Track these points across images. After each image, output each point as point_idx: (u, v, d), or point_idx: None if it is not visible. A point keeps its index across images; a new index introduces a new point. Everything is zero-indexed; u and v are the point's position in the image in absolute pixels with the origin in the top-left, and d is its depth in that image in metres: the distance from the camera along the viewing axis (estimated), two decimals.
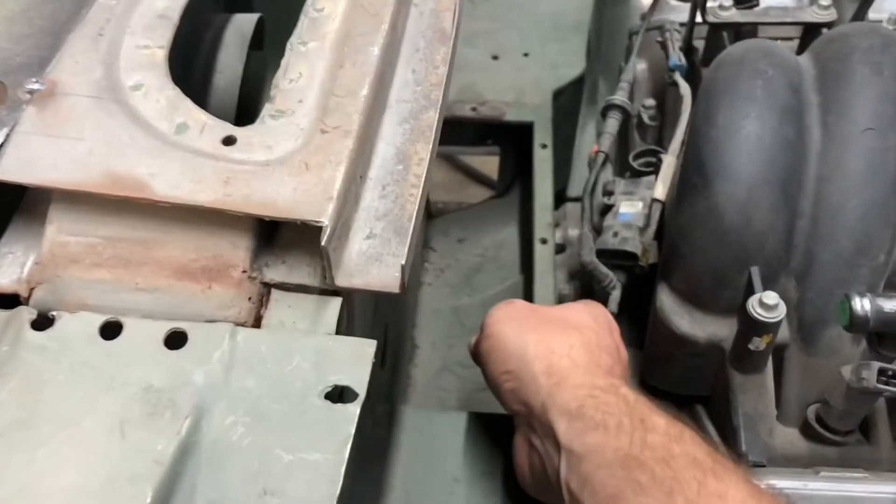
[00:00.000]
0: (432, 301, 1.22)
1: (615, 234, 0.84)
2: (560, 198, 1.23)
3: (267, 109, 0.47)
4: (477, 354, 0.76)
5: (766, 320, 0.67)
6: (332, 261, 0.43)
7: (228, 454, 0.38)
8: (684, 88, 0.96)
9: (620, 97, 0.95)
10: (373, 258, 0.45)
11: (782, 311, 0.67)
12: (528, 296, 1.02)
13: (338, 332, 0.44)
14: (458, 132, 1.25)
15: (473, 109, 1.20)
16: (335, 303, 0.44)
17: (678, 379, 0.80)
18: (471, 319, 1.18)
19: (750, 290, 0.71)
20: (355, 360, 0.42)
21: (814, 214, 0.73)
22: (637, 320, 0.93)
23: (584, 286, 1.03)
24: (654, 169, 0.92)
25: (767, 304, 0.67)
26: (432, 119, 0.50)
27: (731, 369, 0.74)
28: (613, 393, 0.62)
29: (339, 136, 0.45)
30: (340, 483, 0.38)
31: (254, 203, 0.43)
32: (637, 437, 0.57)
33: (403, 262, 0.44)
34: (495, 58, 1.27)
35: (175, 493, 0.37)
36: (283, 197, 0.43)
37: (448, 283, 1.24)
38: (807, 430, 0.73)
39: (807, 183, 0.74)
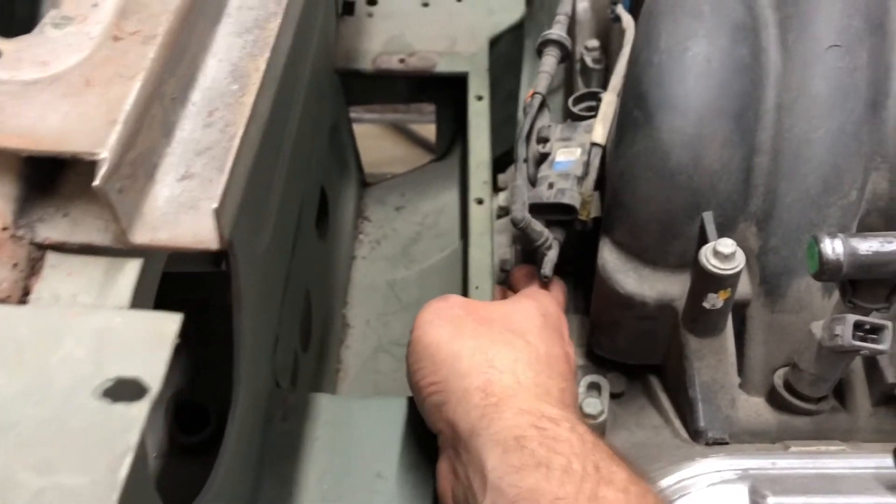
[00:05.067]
0: (367, 276, 1.11)
1: (550, 186, 0.73)
2: (508, 159, 1.12)
3: (49, 17, 0.36)
4: (407, 350, 0.65)
5: (722, 272, 0.57)
6: (126, 210, 0.32)
7: None
8: (627, 21, 0.86)
9: (557, 31, 0.84)
10: (186, 205, 0.34)
11: (740, 260, 0.57)
12: (465, 262, 0.91)
13: (137, 306, 0.33)
14: (387, 88, 1.13)
15: (401, 61, 1.08)
16: (132, 266, 0.33)
17: (627, 346, 0.70)
18: (407, 293, 1.07)
19: (703, 240, 0.61)
20: (150, 342, 0.30)
21: (774, 148, 0.63)
22: (582, 284, 0.82)
23: (525, 249, 0.92)
24: (596, 113, 0.81)
25: (722, 254, 0.57)
26: (277, 27, 0.39)
27: (686, 332, 0.64)
28: (568, 428, 0.50)
29: (135, 43, 0.34)
30: None
31: (3, 134, 0.31)
32: (587, 489, 0.45)
33: (216, 206, 0.33)
34: (425, 5, 1.15)
35: None
36: (49, 124, 0.31)
37: (384, 255, 1.13)
38: (774, 399, 0.63)
39: (765, 112, 0.63)
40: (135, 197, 0.33)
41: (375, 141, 2.00)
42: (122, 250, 0.33)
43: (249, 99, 0.36)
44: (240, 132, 0.35)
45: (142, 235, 0.33)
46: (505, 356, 0.57)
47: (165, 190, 0.34)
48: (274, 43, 0.38)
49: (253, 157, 0.36)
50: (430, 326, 0.61)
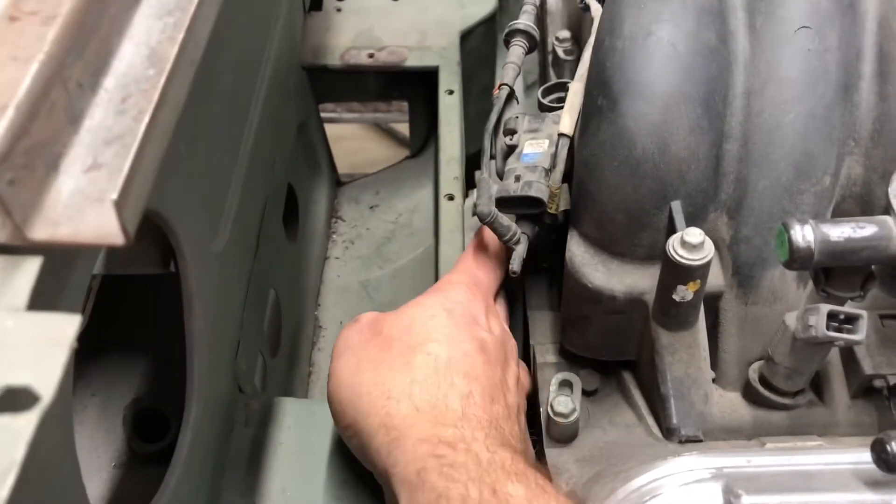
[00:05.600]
0: (340, 276, 1.09)
1: (517, 179, 0.70)
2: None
3: None
4: None
5: (690, 263, 0.55)
6: (22, 204, 0.29)
7: None
8: (596, 9, 0.83)
9: (524, 20, 0.82)
10: (92, 198, 0.31)
11: (709, 250, 0.55)
12: (437, 260, 0.89)
13: (40, 307, 0.30)
14: (357, 84, 1.11)
15: (371, 56, 1.06)
16: (30, 264, 0.30)
17: (598, 342, 0.67)
18: (381, 294, 1.05)
19: (672, 230, 0.59)
20: (45, 347, 0.28)
21: (744, 134, 0.61)
22: (557, 279, 0.80)
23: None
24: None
25: (690, 244, 0.55)
26: (198, 5, 0.36)
27: (657, 327, 0.61)
28: (463, 450, 0.49)
29: (34, 23, 0.32)
30: None
31: None
32: None
33: (115, 198, 0.30)
34: None
35: None
36: None
37: (358, 255, 1.11)
38: (749, 394, 0.61)
39: (734, 98, 0.61)
40: (33, 189, 0.30)
41: (359, 142, 1.98)
42: (20, 247, 0.30)
43: (163, 82, 0.34)
44: (146, 118, 0.32)
45: (41, 231, 0.30)
46: (401, 382, 0.56)
47: (70, 182, 0.31)
48: (189, 23, 0.35)
49: (167, 145, 0.34)
50: (337, 361, 0.61)
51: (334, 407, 0.59)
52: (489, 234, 0.73)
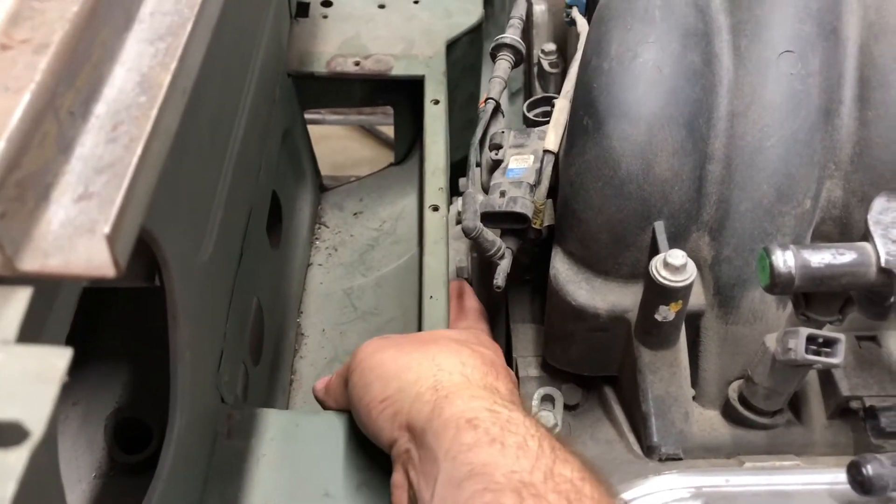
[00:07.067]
0: (323, 283, 1.08)
1: (502, 194, 0.71)
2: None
3: None
4: (349, 391, 0.63)
5: (673, 284, 0.56)
6: (12, 236, 0.29)
7: None
8: (582, 24, 0.84)
9: (511, 35, 0.82)
10: (83, 228, 0.31)
11: (691, 272, 0.56)
12: (421, 270, 0.89)
13: (27, 339, 0.30)
14: (342, 91, 1.10)
15: (357, 64, 1.06)
16: (20, 296, 0.30)
17: (580, 358, 0.68)
18: (364, 302, 1.05)
19: (654, 250, 0.59)
20: (35, 381, 0.28)
21: (727, 156, 0.61)
22: (539, 293, 0.81)
23: (481, 257, 0.91)
24: (550, 119, 0.79)
25: (673, 265, 0.55)
26: (190, 31, 0.36)
27: (639, 345, 0.62)
28: (522, 414, 0.49)
29: (26, 52, 0.31)
30: None
31: None
32: (542, 465, 0.44)
33: (107, 231, 0.30)
34: (382, 6, 1.13)
35: None
36: None
37: (341, 262, 1.11)
38: (729, 413, 0.62)
39: (718, 120, 0.62)
40: (23, 221, 0.30)
41: (341, 142, 1.97)
42: (9, 279, 0.30)
43: (155, 112, 0.34)
44: (139, 148, 0.32)
45: (31, 262, 0.30)
46: (452, 361, 0.57)
47: (61, 212, 0.31)
48: (182, 52, 0.35)
49: (159, 173, 0.34)
50: (375, 355, 0.61)
51: (373, 385, 0.57)
52: (468, 293, 0.78)
